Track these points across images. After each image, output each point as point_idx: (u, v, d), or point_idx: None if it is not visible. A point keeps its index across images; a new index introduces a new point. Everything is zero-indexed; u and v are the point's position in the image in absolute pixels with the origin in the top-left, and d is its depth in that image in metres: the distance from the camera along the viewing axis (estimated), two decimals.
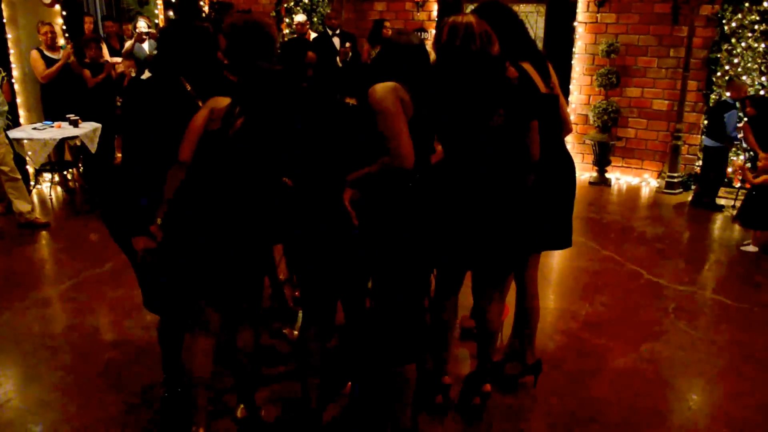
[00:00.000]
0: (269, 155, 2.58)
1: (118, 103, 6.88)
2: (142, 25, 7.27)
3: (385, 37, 6.96)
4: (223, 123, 2.54)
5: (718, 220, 6.43)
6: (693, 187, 7.14)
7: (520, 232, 2.92)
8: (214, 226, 2.58)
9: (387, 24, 7.14)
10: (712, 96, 7.07)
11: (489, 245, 2.82)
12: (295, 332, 3.74)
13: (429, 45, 7.24)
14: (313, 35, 7.93)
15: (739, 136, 6.50)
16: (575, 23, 7.83)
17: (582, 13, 7.78)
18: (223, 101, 2.59)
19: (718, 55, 7.00)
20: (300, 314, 4.08)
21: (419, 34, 7.76)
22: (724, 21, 6.89)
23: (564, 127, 3.15)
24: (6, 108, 5.78)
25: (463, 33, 2.63)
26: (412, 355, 2.67)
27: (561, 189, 3.14)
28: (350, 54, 7.21)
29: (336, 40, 7.54)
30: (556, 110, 3.06)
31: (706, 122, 7.01)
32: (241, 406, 2.95)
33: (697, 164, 7.34)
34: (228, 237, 2.59)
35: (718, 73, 7.03)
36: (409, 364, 2.66)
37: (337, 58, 7.17)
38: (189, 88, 2.72)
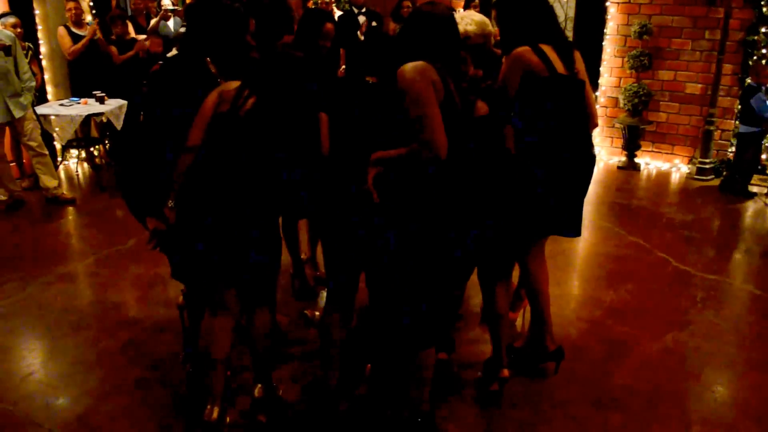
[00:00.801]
0: (279, 136, 2.55)
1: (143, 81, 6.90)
2: (167, 2, 7.28)
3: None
4: (232, 104, 2.51)
5: (750, 207, 6.26)
6: (724, 173, 6.97)
7: (517, 222, 2.89)
8: (224, 209, 2.57)
9: (406, 4, 7.04)
10: (748, 80, 6.87)
11: (486, 239, 2.82)
12: (317, 313, 3.73)
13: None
14: (338, 13, 7.87)
15: None
16: (607, 3, 7.63)
17: None
18: (233, 84, 2.56)
19: (755, 38, 6.77)
20: (322, 295, 4.08)
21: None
22: (762, 2, 6.66)
23: (590, 121, 3.07)
24: (33, 83, 5.82)
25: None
26: (430, 340, 2.64)
27: (572, 179, 3.05)
28: (370, 25, 7.15)
29: (361, 19, 7.47)
30: (581, 96, 2.99)
31: (739, 107, 6.83)
32: (259, 385, 2.95)
33: (730, 150, 7.16)
34: (239, 219, 2.58)
35: (755, 57, 6.82)
36: (426, 348, 2.64)
37: (359, 32, 7.11)
38: (213, 70, 2.70)
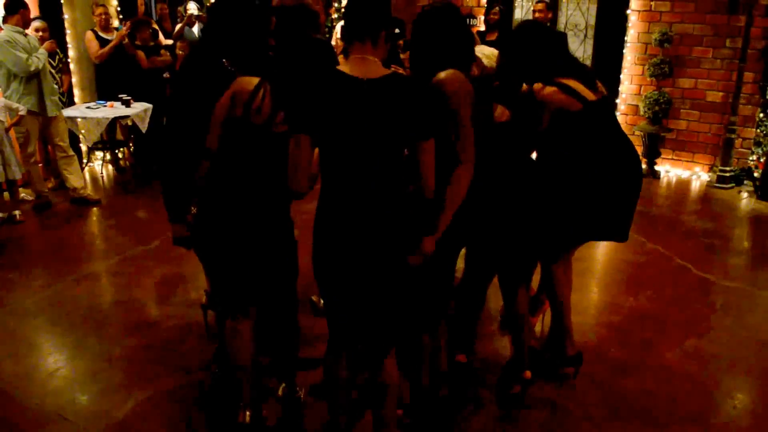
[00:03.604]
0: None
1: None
2: (192, 7, 7.39)
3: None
4: (245, 109, 2.44)
5: None
6: (745, 182, 6.93)
7: (552, 229, 2.93)
8: (241, 215, 2.56)
9: (494, 10, 6.94)
10: None
11: (507, 245, 2.86)
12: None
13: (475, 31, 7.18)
14: None
15: None
16: (628, 11, 7.63)
17: (635, 1, 7.57)
18: (249, 83, 2.47)
19: None
20: None
21: (468, 20, 7.68)
22: None
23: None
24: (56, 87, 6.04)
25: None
26: (429, 324, 2.70)
27: (618, 187, 3.06)
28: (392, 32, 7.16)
29: None
30: (611, 108, 3.04)
31: None
32: (283, 384, 3.00)
33: (750, 159, 7.12)
34: (257, 227, 2.58)
35: None
36: (425, 333, 2.70)
37: None
38: (230, 68, 2.62)
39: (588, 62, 7.99)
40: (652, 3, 7.46)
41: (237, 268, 2.65)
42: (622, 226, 3.13)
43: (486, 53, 2.92)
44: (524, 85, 2.94)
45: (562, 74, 2.92)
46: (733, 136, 6.99)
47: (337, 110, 2.13)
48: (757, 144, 7.00)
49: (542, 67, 2.92)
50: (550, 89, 2.88)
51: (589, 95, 2.92)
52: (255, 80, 2.48)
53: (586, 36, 8.55)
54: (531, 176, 2.92)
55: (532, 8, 7.25)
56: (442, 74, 2.37)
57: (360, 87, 2.13)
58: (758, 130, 6.99)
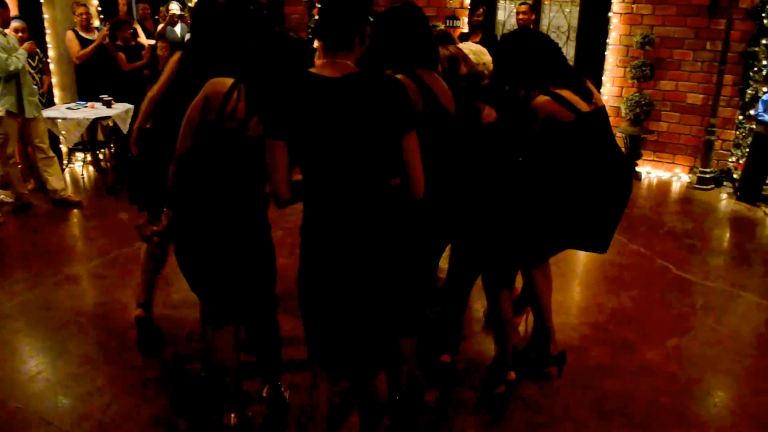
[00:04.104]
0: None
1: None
2: (174, 7, 7.34)
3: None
4: (218, 116, 2.34)
5: (753, 215, 6.32)
6: (725, 183, 7.03)
7: (536, 234, 2.94)
8: (212, 227, 2.52)
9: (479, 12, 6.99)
10: (749, 91, 6.94)
11: (491, 247, 2.87)
12: None
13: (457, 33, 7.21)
14: None
15: None
16: (610, 14, 7.71)
17: (617, 4, 7.65)
18: (222, 85, 2.36)
19: (756, 49, 6.85)
20: None
21: (451, 22, 7.71)
22: (763, 14, 6.73)
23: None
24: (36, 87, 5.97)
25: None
26: (408, 330, 2.63)
27: (604, 198, 3.07)
28: None
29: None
30: (606, 120, 3.06)
31: None
32: (267, 386, 2.99)
33: (730, 160, 7.22)
34: (230, 232, 2.53)
35: (756, 68, 6.89)
36: (405, 338, 2.64)
37: None
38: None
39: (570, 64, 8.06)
40: (634, 6, 7.54)
41: (212, 276, 2.61)
42: (603, 239, 3.13)
43: (473, 49, 2.94)
44: (521, 90, 2.95)
45: (557, 84, 2.93)
46: (713, 138, 7.09)
47: (311, 114, 2.05)
48: (737, 146, 7.11)
49: (537, 75, 2.93)
50: (543, 98, 2.88)
51: (583, 106, 2.92)
52: (229, 81, 2.38)
53: (568, 38, 8.63)
54: (517, 179, 2.93)
55: (515, 10, 7.30)
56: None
57: (333, 86, 2.05)
58: (738, 132, 7.10)
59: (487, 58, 2.98)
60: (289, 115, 2.05)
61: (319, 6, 2.44)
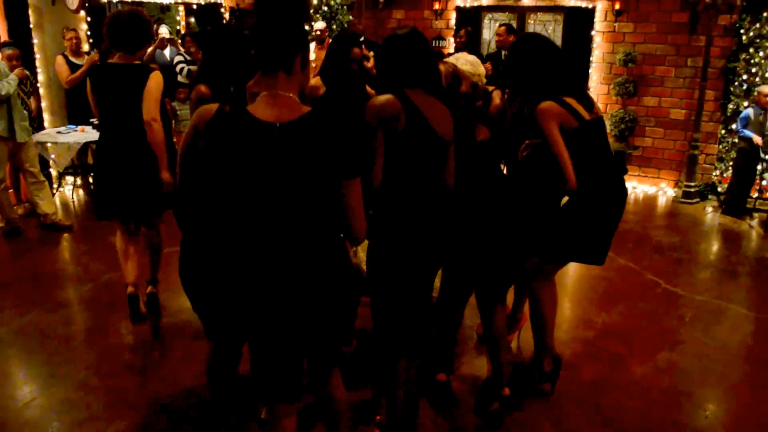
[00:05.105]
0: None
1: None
2: (163, 31, 7.38)
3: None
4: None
5: (738, 228, 6.41)
6: (710, 197, 7.15)
7: (515, 249, 2.98)
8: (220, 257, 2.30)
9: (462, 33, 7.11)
10: (730, 105, 7.07)
11: (485, 264, 2.91)
12: None
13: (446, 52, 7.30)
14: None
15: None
16: (593, 32, 7.85)
17: (600, 23, 7.80)
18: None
19: (736, 65, 7.00)
20: None
21: (437, 42, 7.82)
22: (742, 31, 6.89)
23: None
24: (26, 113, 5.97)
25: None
26: (405, 351, 2.73)
27: (602, 211, 3.14)
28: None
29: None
30: (604, 130, 3.12)
31: None
32: (264, 408, 3.00)
33: (714, 174, 7.34)
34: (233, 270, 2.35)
35: (736, 83, 7.03)
36: (401, 359, 2.73)
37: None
38: (207, 92, 2.61)
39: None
40: (616, 24, 7.68)
41: (213, 303, 2.50)
42: (601, 250, 3.19)
43: (469, 59, 2.97)
44: (528, 97, 3.01)
45: (563, 91, 2.98)
46: (696, 152, 7.21)
47: (245, 161, 1.92)
48: (720, 160, 7.24)
49: (546, 81, 2.97)
50: (550, 103, 2.92)
51: (585, 115, 2.98)
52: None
53: None
54: (508, 194, 2.98)
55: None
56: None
57: (272, 134, 1.92)
58: (720, 146, 7.23)
59: (481, 70, 3.01)
60: (222, 160, 1.96)
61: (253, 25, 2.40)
